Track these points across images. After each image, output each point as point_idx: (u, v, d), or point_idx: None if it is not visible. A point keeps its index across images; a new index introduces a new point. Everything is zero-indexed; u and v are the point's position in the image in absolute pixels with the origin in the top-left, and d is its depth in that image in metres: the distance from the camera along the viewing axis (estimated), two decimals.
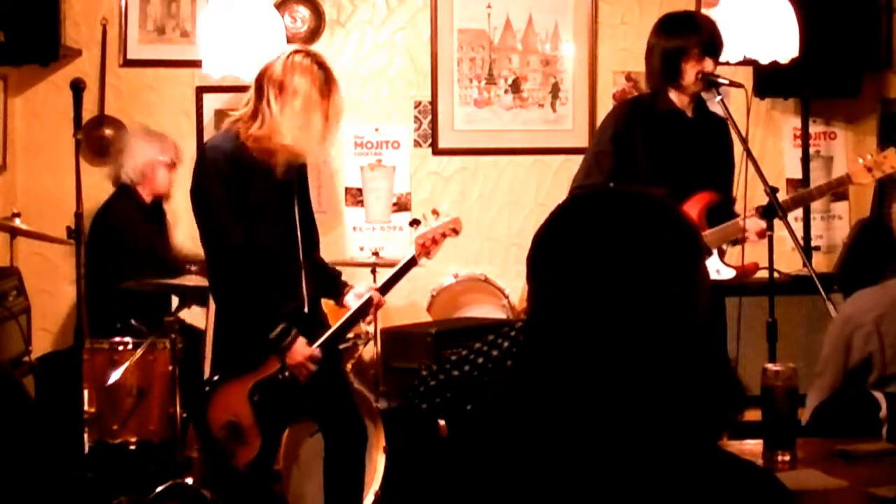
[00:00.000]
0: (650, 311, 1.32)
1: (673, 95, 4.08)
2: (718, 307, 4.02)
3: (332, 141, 3.86)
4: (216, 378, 3.79)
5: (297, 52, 3.77)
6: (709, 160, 4.14)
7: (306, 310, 3.82)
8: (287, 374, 3.74)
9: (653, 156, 4.05)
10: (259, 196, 3.68)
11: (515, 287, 5.40)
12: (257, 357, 3.73)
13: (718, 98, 4.10)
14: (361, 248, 5.58)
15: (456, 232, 4.00)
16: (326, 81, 3.71)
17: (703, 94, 4.18)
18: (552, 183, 5.68)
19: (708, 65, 3.97)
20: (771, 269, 3.94)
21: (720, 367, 1.38)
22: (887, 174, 4.03)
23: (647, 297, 1.32)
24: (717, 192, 4.08)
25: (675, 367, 1.33)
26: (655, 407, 1.32)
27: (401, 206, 5.69)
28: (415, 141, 5.70)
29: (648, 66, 4.12)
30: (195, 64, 5.13)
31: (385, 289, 3.91)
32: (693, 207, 3.97)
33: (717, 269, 4.02)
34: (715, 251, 4.05)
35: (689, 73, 3.98)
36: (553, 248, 1.36)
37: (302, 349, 3.71)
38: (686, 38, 3.97)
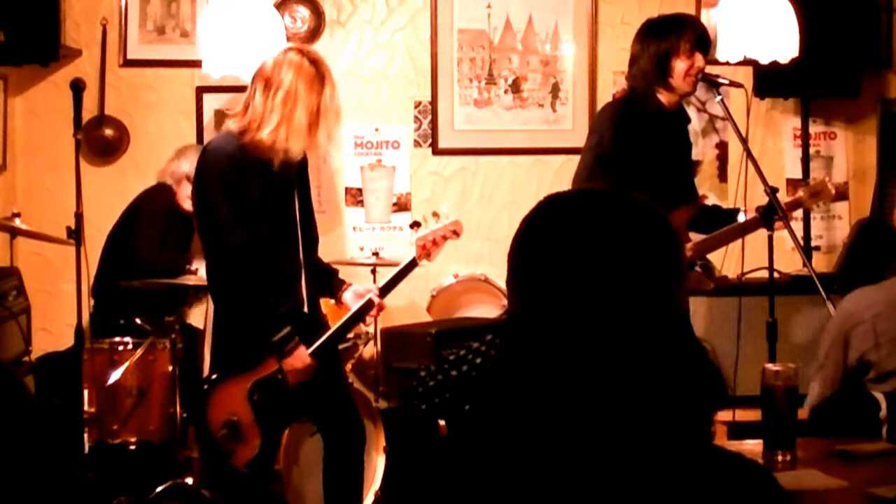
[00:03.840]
0: (632, 306, 1.33)
1: (661, 96, 4.10)
2: None
3: (334, 138, 3.84)
4: (215, 377, 3.79)
5: (290, 49, 3.79)
6: (686, 155, 4.34)
7: (306, 310, 3.82)
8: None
9: (650, 157, 4.07)
10: (259, 196, 3.68)
11: None
12: (257, 356, 3.73)
13: (718, 98, 4.12)
14: (361, 249, 5.57)
15: (457, 234, 3.99)
16: (318, 77, 3.70)
17: (703, 95, 4.20)
18: (552, 183, 5.67)
19: (698, 60, 4.01)
20: (771, 269, 3.95)
21: (705, 361, 1.39)
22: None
23: (627, 292, 1.33)
24: (694, 202, 4.19)
25: (659, 360, 1.34)
26: (644, 402, 1.32)
27: (401, 206, 5.69)
28: (415, 141, 5.70)
29: (635, 69, 4.13)
30: (195, 64, 5.13)
31: (384, 291, 3.89)
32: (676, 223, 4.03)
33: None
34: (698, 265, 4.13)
35: (679, 69, 4.01)
36: (533, 248, 1.38)
37: (302, 357, 3.70)
38: (677, 34, 4.03)
